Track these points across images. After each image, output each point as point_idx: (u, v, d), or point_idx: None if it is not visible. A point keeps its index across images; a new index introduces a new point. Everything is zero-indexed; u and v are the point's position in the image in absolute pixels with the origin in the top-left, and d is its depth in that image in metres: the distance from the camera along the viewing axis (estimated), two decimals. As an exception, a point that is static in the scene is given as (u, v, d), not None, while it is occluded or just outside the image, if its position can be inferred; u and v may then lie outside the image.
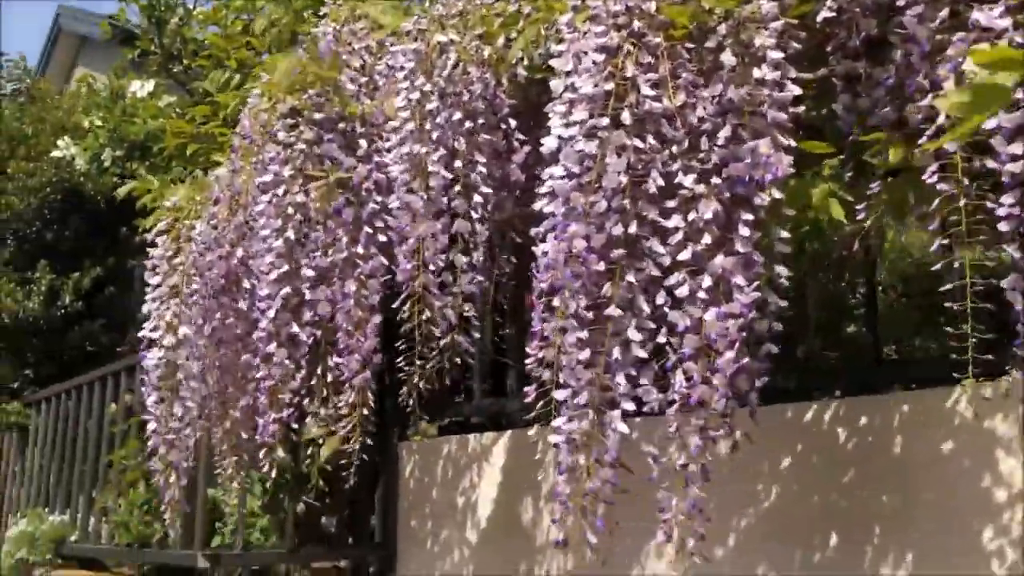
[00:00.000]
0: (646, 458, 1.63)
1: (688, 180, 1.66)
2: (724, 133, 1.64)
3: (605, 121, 1.67)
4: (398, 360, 2.26)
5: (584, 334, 1.60)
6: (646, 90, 1.67)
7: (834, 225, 1.88)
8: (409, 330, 2.23)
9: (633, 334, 1.59)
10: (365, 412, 2.30)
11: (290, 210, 2.28)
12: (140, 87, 4.88)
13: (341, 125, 2.29)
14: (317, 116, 2.29)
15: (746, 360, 1.59)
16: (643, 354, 1.60)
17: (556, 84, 1.82)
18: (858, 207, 1.80)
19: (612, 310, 1.60)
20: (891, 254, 3.72)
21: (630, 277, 1.61)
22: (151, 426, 2.71)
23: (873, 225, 1.78)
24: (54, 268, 7.05)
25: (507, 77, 2.16)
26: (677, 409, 1.60)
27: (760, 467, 2.26)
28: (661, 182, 1.66)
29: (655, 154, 1.67)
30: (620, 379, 1.58)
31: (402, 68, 2.23)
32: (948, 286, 1.53)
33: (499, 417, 3.30)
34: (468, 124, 2.14)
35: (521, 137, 2.30)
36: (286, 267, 2.27)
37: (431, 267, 2.15)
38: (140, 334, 2.72)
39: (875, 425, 2.08)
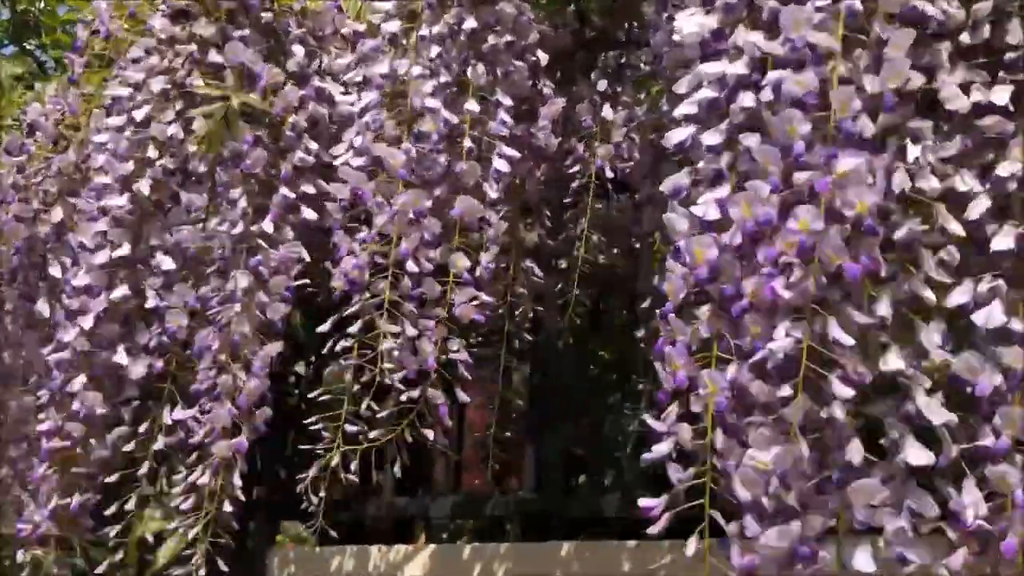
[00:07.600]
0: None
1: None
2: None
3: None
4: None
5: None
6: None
7: None
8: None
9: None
10: (228, 507, 1.37)
11: (152, 151, 1.34)
12: (-17, 64, 3.88)
13: (265, 18, 1.38)
14: (225, 3, 1.37)
15: None
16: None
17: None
18: None
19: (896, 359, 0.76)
20: None
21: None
22: None
23: None
24: None
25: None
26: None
27: None
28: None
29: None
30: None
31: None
32: None
33: (413, 523, 2.71)
34: (492, 39, 1.28)
35: (551, 84, 1.48)
36: (127, 247, 1.33)
37: (396, 271, 1.28)
38: None
39: None
